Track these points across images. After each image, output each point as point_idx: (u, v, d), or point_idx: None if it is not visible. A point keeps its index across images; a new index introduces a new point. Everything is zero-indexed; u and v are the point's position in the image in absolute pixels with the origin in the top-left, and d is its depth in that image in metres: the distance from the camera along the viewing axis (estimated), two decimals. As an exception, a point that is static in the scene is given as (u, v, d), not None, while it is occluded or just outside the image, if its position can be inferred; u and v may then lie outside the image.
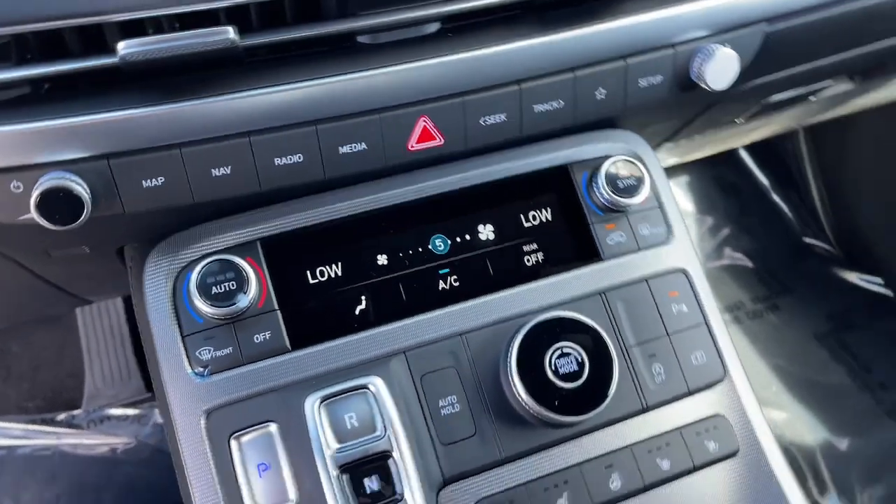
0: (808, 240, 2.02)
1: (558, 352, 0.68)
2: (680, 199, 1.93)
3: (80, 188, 0.58)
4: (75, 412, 1.60)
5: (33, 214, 0.58)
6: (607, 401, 0.68)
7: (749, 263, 1.96)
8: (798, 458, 1.59)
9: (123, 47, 0.56)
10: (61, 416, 1.59)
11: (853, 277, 1.94)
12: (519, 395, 0.67)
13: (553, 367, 0.68)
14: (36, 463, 1.53)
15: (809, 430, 1.66)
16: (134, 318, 1.65)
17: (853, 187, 1.91)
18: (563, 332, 0.69)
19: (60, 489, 1.50)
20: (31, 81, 0.59)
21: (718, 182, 2.10)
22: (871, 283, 1.92)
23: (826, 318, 1.86)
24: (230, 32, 0.57)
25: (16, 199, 0.59)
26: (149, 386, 1.64)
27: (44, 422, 1.58)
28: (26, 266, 0.77)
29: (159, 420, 1.60)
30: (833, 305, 1.89)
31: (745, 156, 2.15)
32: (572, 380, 0.68)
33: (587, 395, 0.68)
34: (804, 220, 2.04)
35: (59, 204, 0.58)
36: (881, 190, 1.83)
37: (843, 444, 1.64)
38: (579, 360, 0.68)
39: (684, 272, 0.78)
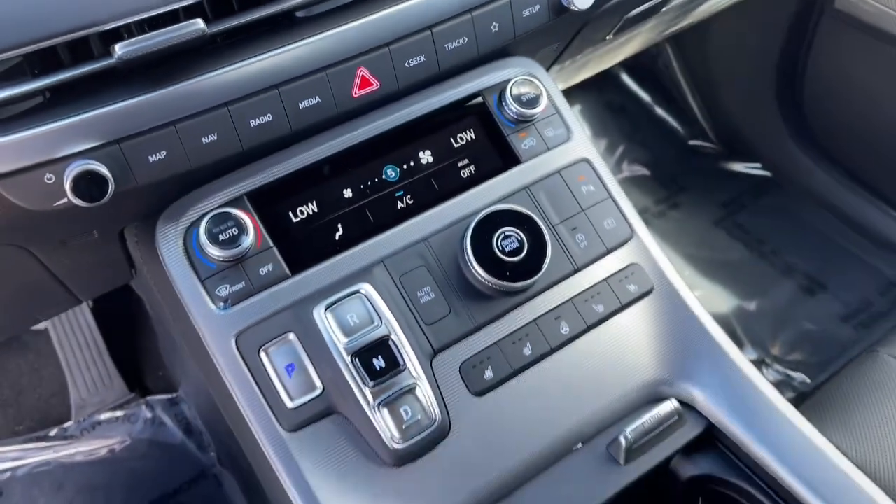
0: (693, 142, 2.26)
1: (502, 235, 0.86)
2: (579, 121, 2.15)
3: (104, 169, 0.72)
4: (66, 424, 1.69)
5: (70, 197, 0.71)
6: (545, 265, 0.86)
7: (647, 172, 2.20)
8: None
9: (121, 48, 0.69)
10: (54, 432, 1.68)
11: (737, 167, 2.20)
12: (478, 274, 0.85)
13: (500, 248, 0.85)
14: (40, 478, 1.62)
15: (722, 301, 1.91)
16: (106, 326, 1.75)
17: (721, 88, 2.16)
18: (502, 221, 0.87)
19: (70, 495, 1.60)
20: (43, 91, 0.72)
21: (608, 106, 2.32)
22: (752, 168, 2.18)
23: (720, 205, 2.12)
24: (200, 23, 0.72)
25: (50, 189, 0.72)
26: (132, 387, 1.74)
27: (38, 439, 1.67)
28: (39, 258, 0.90)
29: (148, 416, 1.71)
30: (724, 194, 2.15)
31: (627, 79, 2.38)
32: (516, 255, 0.86)
33: (530, 265, 0.86)
34: (687, 126, 2.28)
35: (89, 185, 0.71)
36: (742, 86, 2.08)
37: (751, 305, 1.89)
38: (519, 239, 0.86)
39: (587, 160, 0.97)
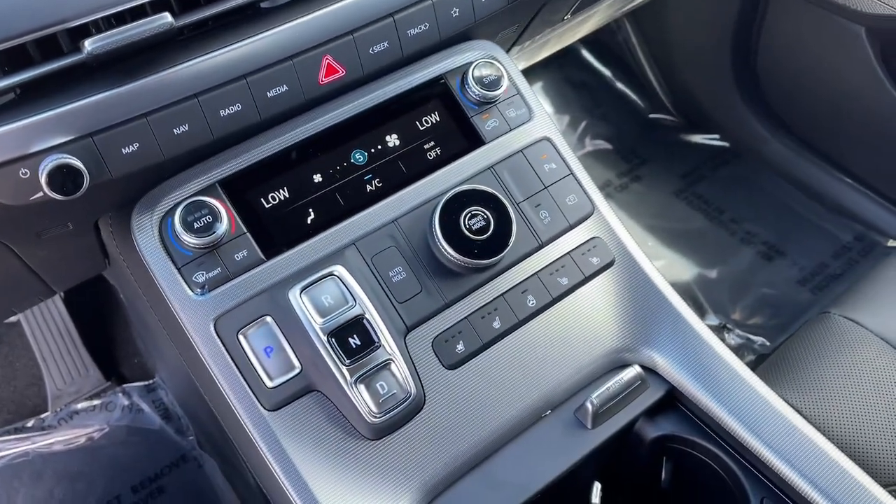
0: (653, 115, 2.32)
1: (469, 215, 0.89)
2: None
3: (78, 163, 0.73)
4: (44, 415, 1.70)
5: (45, 191, 0.73)
6: (511, 242, 0.90)
7: (608, 146, 2.24)
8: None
9: (90, 44, 0.71)
10: (31, 423, 1.69)
11: (696, 138, 2.26)
12: (447, 252, 0.88)
13: (467, 227, 0.89)
14: (18, 469, 1.63)
15: (684, 270, 1.97)
16: (79, 316, 1.76)
17: (679, 61, 2.21)
18: (469, 200, 0.90)
19: (51, 484, 1.61)
20: (14, 88, 0.73)
21: (568, 82, 2.36)
22: (710, 139, 2.24)
23: (680, 177, 2.18)
24: (168, 17, 0.73)
25: (25, 183, 0.73)
26: (108, 375, 1.76)
27: (16, 430, 1.68)
28: (15, 251, 0.91)
29: (125, 403, 1.73)
30: (684, 165, 2.20)
31: (587, 55, 2.42)
32: (483, 233, 0.89)
33: (497, 242, 0.90)
34: (647, 99, 2.33)
35: (64, 178, 0.73)
36: (699, 59, 2.13)
37: (712, 273, 1.96)
38: (485, 217, 0.90)
39: (548, 139, 1.00)
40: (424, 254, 0.91)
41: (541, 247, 0.96)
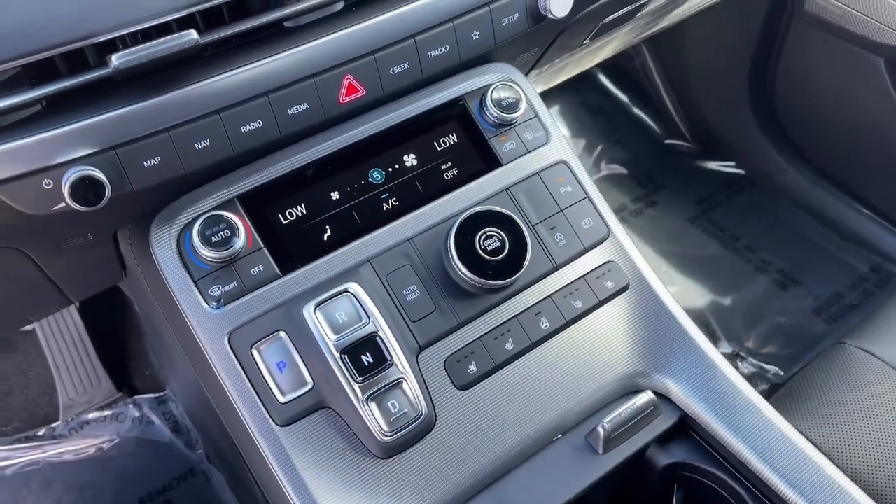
0: (669, 141, 2.32)
1: (484, 235, 0.90)
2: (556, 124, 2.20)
3: (101, 175, 0.74)
4: (54, 424, 1.71)
5: (68, 201, 0.74)
6: (526, 264, 0.90)
7: (624, 171, 2.25)
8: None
9: (117, 58, 0.72)
10: (42, 431, 1.70)
11: (712, 165, 2.26)
12: (462, 272, 0.88)
13: (482, 247, 0.89)
14: (28, 477, 1.63)
15: (698, 296, 1.96)
16: (93, 326, 1.77)
17: (696, 87, 2.21)
18: (484, 221, 0.90)
19: (59, 493, 1.62)
20: (41, 100, 0.74)
21: (585, 106, 2.37)
22: (726, 166, 2.24)
23: (695, 203, 2.17)
24: (194, 34, 0.74)
25: (48, 194, 0.74)
26: (119, 386, 1.76)
27: (27, 439, 1.69)
28: (34, 260, 0.92)
29: (136, 414, 1.73)
30: (699, 191, 2.20)
31: (604, 80, 2.43)
32: (498, 254, 0.89)
33: (511, 264, 0.90)
34: (664, 125, 2.34)
35: (86, 190, 0.74)
36: (717, 86, 2.14)
37: (726, 300, 1.95)
38: (501, 238, 0.90)
39: (564, 162, 1.01)
40: (439, 273, 0.91)
41: (555, 269, 0.96)
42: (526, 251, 0.90)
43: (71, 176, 0.73)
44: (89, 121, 0.74)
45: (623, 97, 2.40)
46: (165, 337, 0.99)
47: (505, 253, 0.89)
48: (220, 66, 0.80)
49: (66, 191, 0.73)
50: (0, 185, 0.73)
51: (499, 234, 0.90)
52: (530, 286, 0.94)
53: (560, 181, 1.00)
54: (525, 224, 0.93)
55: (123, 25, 0.73)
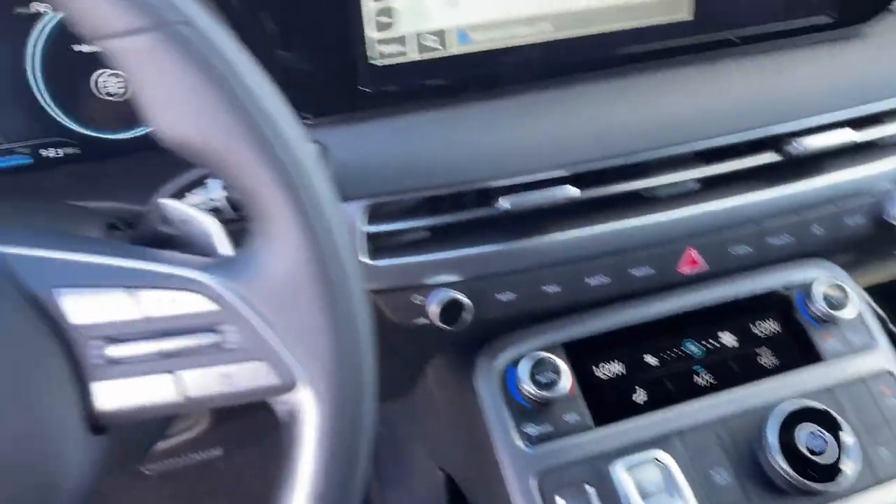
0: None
1: (805, 432, 0.85)
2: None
3: (466, 300, 0.81)
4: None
5: (434, 320, 0.81)
6: (849, 472, 0.84)
7: None
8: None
9: (506, 201, 0.80)
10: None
11: None
12: (779, 466, 0.84)
13: (803, 444, 0.85)
14: None
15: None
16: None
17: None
18: (807, 418, 0.86)
19: None
20: (429, 227, 0.83)
21: None
22: None
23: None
24: (575, 190, 0.82)
25: (415, 308, 0.82)
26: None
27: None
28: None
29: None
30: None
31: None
32: (817, 454, 0.84)
33: (830, 469, 0.84)
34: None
35: (453, 311, 0.81)
36: None
37: None
38: (824, 439, 0.85)
39: (891, 373, 0.96)
40: (749, 462, 0.87)
41: (877, 483, 0.88)
42: (850, 458, 0.84)
43: (441, 297, 0.81)
44: (461, 252, 0.82)
45: None
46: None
47: (825, 455, 0.84)
48: (579, 220, 0.86)
49: (435, 309, 0.80)
50: (379, 294, 0.82)
51: (822, 434, 0.85)
52: (846, 497, 0.87)
53: (887, 393, 0.94)
54: (852, 429, 0.87)
55: (517, 174, 0.82)
